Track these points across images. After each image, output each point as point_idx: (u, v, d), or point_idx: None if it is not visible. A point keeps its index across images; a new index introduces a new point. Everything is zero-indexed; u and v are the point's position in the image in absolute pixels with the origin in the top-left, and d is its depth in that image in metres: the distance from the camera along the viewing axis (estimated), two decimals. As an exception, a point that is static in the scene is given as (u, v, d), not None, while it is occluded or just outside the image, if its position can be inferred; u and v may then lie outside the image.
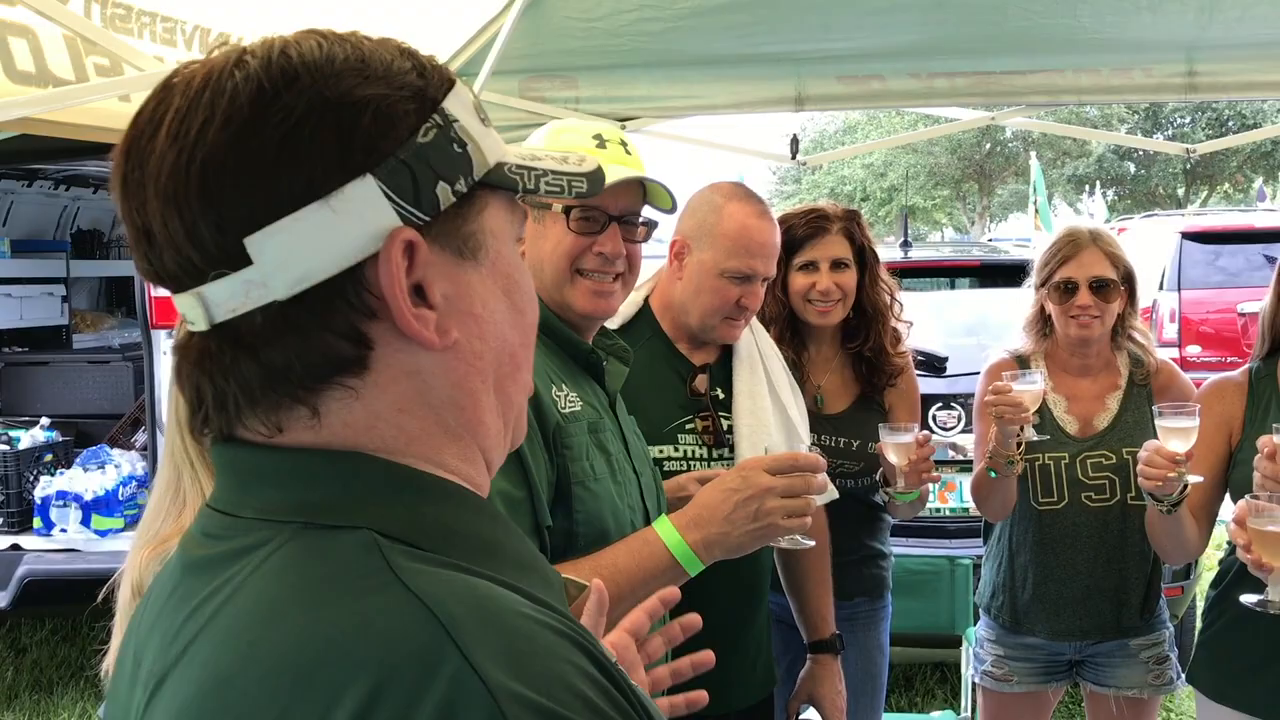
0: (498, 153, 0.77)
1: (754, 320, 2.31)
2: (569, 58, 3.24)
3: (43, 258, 6.52)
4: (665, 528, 1.58)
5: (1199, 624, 2.52)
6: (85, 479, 4.76)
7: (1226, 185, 28.79)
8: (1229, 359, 7.90)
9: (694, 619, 1.37)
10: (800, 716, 2.41)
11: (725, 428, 2.19)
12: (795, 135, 3.98)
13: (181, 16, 2.57)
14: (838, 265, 2.64)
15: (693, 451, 2.16)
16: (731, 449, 2.17)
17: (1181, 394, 2.68)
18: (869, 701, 2.76)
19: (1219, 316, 8.61)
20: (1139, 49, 3.13)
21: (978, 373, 2.84)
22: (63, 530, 4.70)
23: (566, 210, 1.67)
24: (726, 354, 2.28)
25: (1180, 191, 28.60)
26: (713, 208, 2.18)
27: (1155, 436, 2.68)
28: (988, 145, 29.66)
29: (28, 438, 5.10)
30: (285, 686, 0.61)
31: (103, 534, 4.68)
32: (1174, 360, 2.94)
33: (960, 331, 4.99)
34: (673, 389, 2.19)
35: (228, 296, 0.69)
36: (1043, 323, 2.74)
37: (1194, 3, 2.85)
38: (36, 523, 4.77)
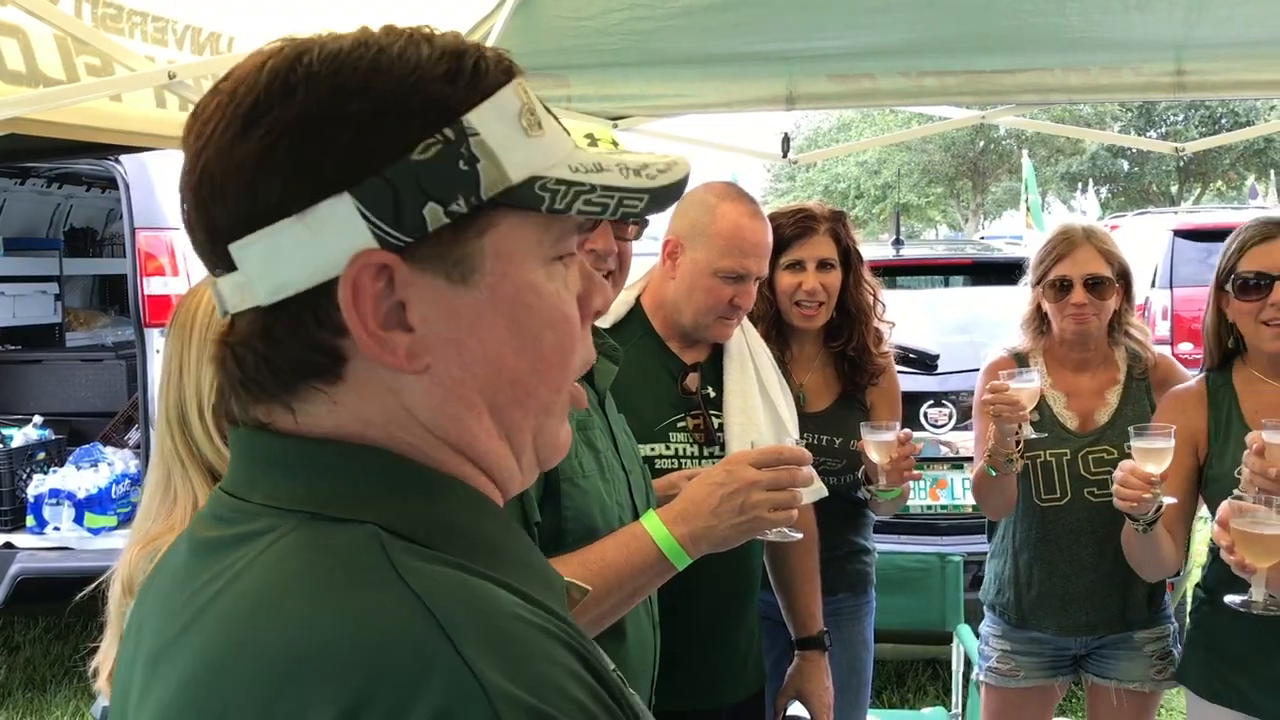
0: (535, 165, 0.72)
1: (744, 319, 2.32)
2: (560, 56, 3.24)
3: (36, 256, 6.50)
4: (653, 522, 1.59)
5: (1187, 622, 2.53)
6: (78, 477, 4.76)
7: (1219, 183, 28.85)
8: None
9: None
10: (787, 713, 2.42)
11: (716, 426, 2.21)
12: (787, 134, 4.00)
13: (173, 16, 2.56)
14: (824, 266, 2.66)
15: (684, 450, 2.17)
16: (722, 447, 2.19)
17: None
18: (854, 697, 2.78)
19: (1211, 314, 8.61)
20: (1128, 48, 3.14)
21: (970, 370, 2.86)
22: (56, 528, 4.70)
23: None
24: (717, 353, 2.29)
25: (1173, 189, 28.64)
26: (706, 207, 2.20)
27: None
28: (981, 143, 29.66)
29: (20, 436, 5.09)
30: (276, 678, 0.61)
31: (96, 532, 4.68)
32: (1166, 357, 2.94)
33: (952, 329, 5.00)
34: (664, 387, 2.20)
35: (231, 292, 0.73)
36: (1040, 320, 2.76)
37: (1182, 2, 2.85)
38: (29, 521, 4.77)
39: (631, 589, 1.54)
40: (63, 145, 3.15)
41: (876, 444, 2.44)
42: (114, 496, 4.75)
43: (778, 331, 2.70)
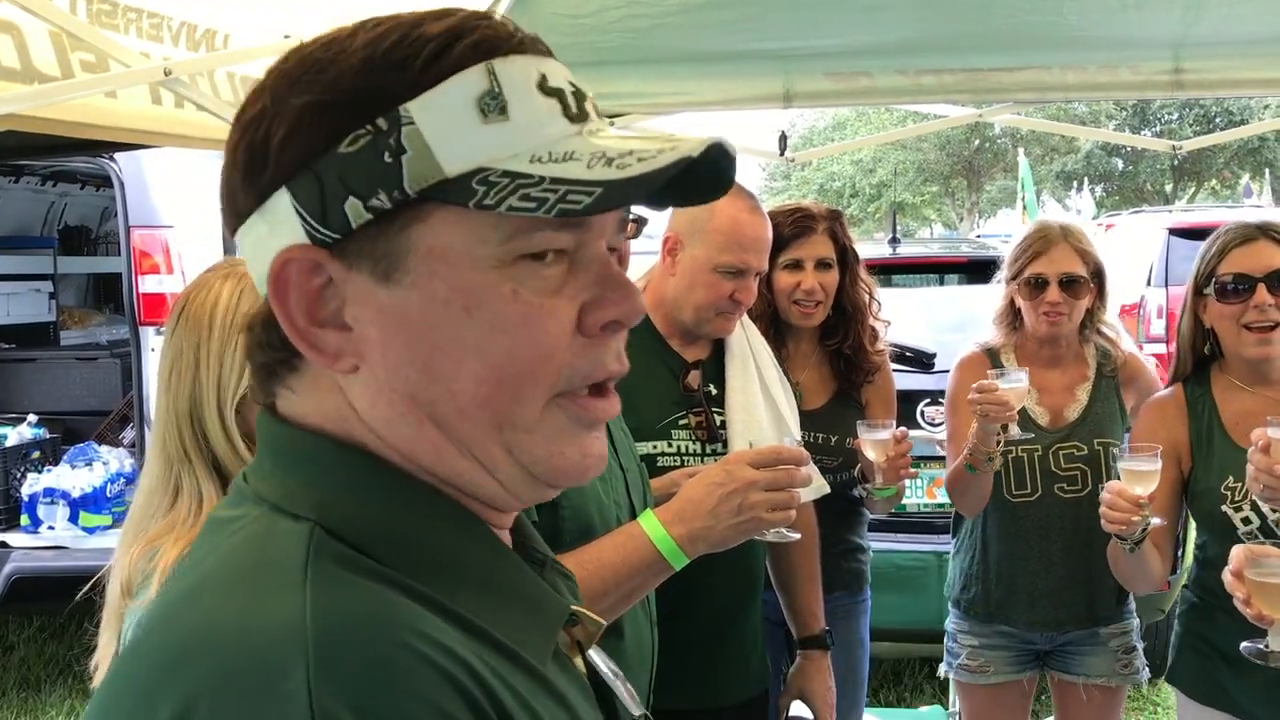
0: (483, 155, 0.67)
1: (744, 316, 2.32)
2: (557, 54, 3.23)
3: (30, 254, 6.49)
4: (650, 522, 1.58)
5: (1176, 624, 2.53)
6: (73, 476, 4.74)
7: (1214, 182, 28.88)
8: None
9: None
10: (789, 714, 2.42)
11: (718, 423, 2.20)
12: (783, 132, 4.00)
13: (168, 12, 2.55)
14: (822, 265, 2.68)
15: (686, 447, 2.17)
16: (725, 444, 2.18)
17: (1147, 386, 2.73)
18: (851, 696, 2.78)
19: (1206, 313, 8.62)
20: (1125, 46, 3.14)
21: (967, 369, 2.86)
22: (50, 527, 4.69)
23: None
24: (719, 350, 2.29)
25: (1168, 188, 28.69)
26: (704, 204, 2.19)
27: (1125, 427, 2.71)
28: (976, 142, 29.70)
29: (15, 435, 5.08)
30: (159, 666, 0.61)
31: (91, 531, 4.66)
32: (1162, 356, 2.96)
33: (948, 327, 4.99)
34: (666, 385, 2.20)
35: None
36: (1013, 316, 2.78)
37: (1180, 0, 2.86)
38: (24, 520, 4.75)
39: (628, 589, 1.54)
40: (58, 143, 3.14)
41: (873, 442, 2.45)
42: (109, 495, 4.73)
43: (774, 330, 2.72)
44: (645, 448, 2.00)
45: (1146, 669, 2.75)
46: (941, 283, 6.14)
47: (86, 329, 6.76)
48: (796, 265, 2.67)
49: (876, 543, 3.01)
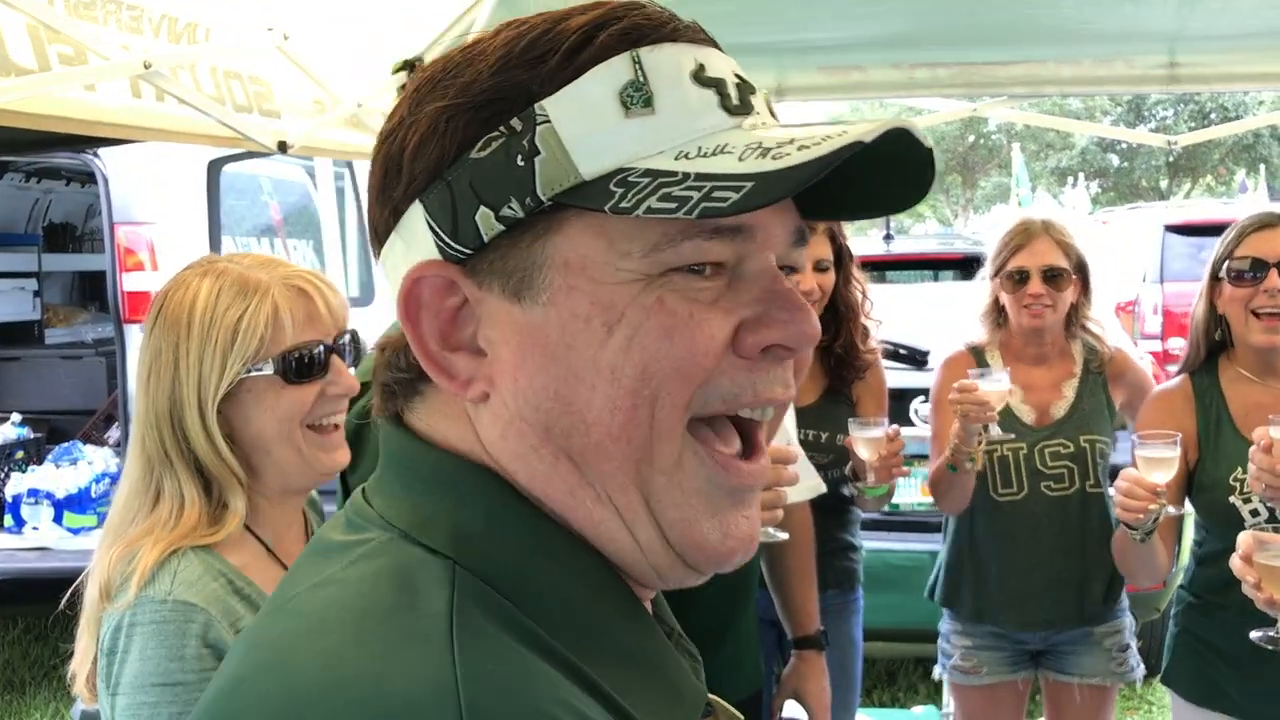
0: (626, 153, 0.60)
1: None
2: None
3: (14, 251, 6.43)
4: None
5: (1171, 625, 2.50)
6: (57, 476, 4.70)
7: (1209, 178, 28.95)
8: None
9: None
10: (783, 714, 2.39)
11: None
12: (777, 127, 3.97)
13: (147, 5, 2.50)
14: (820, 267, 2.68)
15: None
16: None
17: (1136, 381, 2.70)
18: (844, 695, 2.76)
19: (1201, 309, 8.61)
20: (1121, 40, 3.12)
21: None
22: (34, 528, 4.64)
23: None
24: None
25: (1163, 184, 28.74)
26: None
27: (1112, 423, 2.68)
28: (971, 138, 29.73)
29: (-1, 434, 5.04)
30: (277, 710, 0.56)
31: (75, 532, 4.62)
32: (1157, 354, 2.94)
33: (942, 324, 4.97)
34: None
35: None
36: (997, 313, 2.77)
37: (1176, -6, 2.84)
38: (7, 520, 4.71)
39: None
40: (40, 138, 3.09)
41: (865, 440, 2.44)
42: (94, 496, 4.68)
43: None
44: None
45: (1141, 667, 2.73)
46: (936, 279, 6.13)
47: (71, 327, 6.70)
48: (795, 266, 2.65)
49: (870, 542, 2.99)
